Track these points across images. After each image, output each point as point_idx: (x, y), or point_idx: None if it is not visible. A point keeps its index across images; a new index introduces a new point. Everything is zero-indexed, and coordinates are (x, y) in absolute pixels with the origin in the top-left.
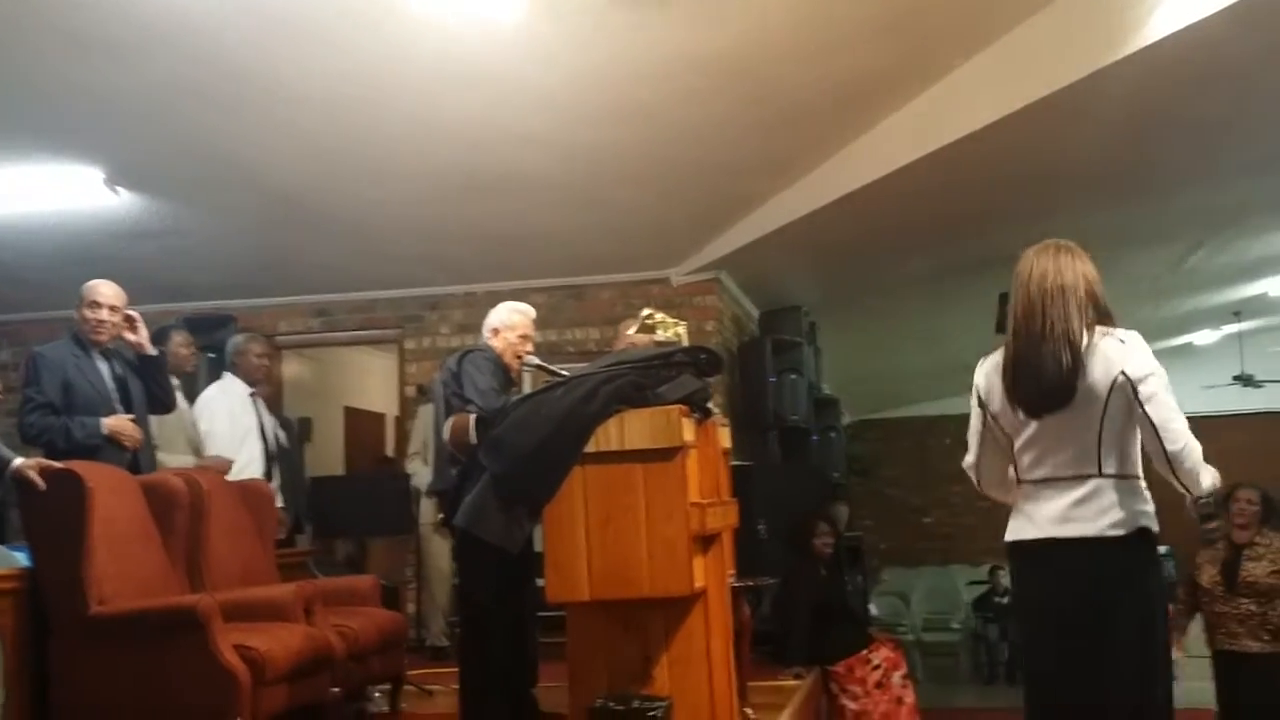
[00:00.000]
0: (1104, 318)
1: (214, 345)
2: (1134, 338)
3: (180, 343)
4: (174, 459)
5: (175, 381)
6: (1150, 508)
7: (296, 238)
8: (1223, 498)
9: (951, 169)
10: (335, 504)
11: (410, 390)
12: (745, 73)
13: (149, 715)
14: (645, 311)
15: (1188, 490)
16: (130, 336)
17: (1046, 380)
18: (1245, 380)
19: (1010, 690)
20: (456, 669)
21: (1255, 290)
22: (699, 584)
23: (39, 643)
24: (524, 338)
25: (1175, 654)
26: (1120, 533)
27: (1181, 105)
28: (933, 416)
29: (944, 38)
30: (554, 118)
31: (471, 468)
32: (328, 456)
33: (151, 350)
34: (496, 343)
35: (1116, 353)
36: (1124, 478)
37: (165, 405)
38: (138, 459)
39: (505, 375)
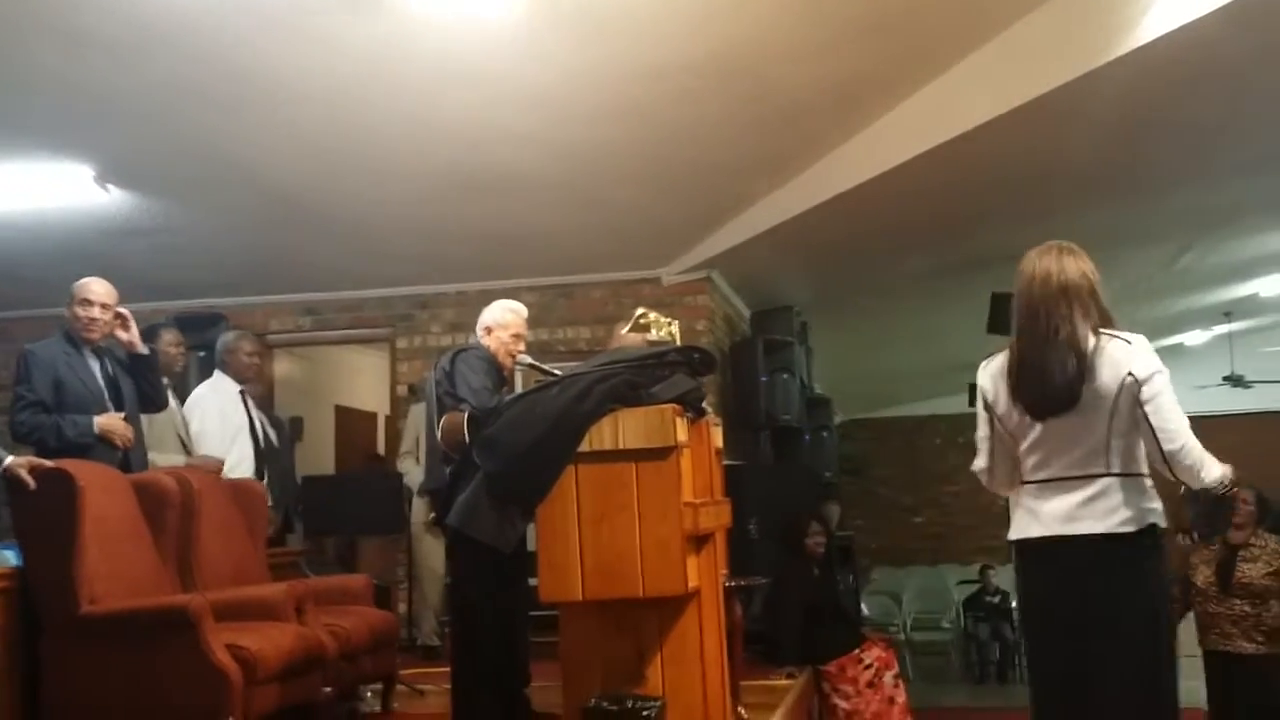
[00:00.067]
0: (1105, 318)
1: (205, 344)
2: (1139, 339)
3: (170, 341)
4: (165, 458)
5: (165, 380)
6: (1158, 504)
7: (288, 236)
8: (1229, 486)
9: (944, 169)
10: (326, 503)
11: (402, 389)
12: (739, 72)
13: (140, 715)
14: (639, 310)
15: (1188, 484)
16: (122, 335)
17: (1052, 385)
18: (1235, 381)
19: (1001, 689)
20: (448, 668)
21: (1246, 291)
22: (693, 584)
23: (29, 642)
24: (517, 336)
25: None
26: (1130, 529)
27: (1174, 106)
28: (924, 416)
29: (937, 39)
30: (548, 116)
31: (464, 467)
32: (318, 456)
33: (143, 349)
34: (489, 341)
35: (1123, 354)
36: (1132, 475)
37: (156, 404)
38: (129, 458)
39: (498, 374)
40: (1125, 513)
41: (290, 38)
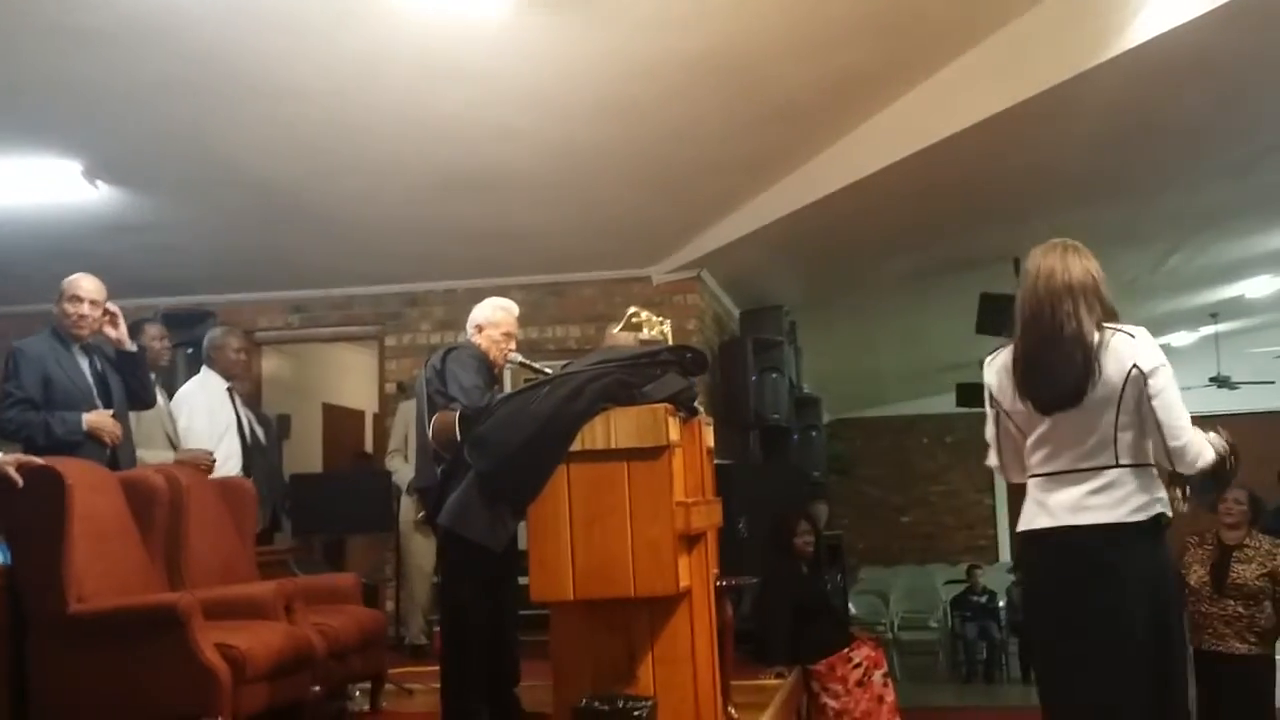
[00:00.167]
0: (1110, 316)
1: (192, 340)
2: (1141, 332)
3: (154, 335)
4: (153, 455)
5: (152, 376)
6: (1164, 494)
7: (277, 233)
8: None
9: (933, 170)
10: (314, 501)
11: (390, 387)
12: (731, 71)
13: (128, 713)
14: (631, 309)
15: (1187, 474)
16: (111, 332)
17: (1059, 381)
18: (1222, 382)
19: (988, 689)
20: (437, 667)
21: (1232, 292)
22: (684, 583)
23: (17, 641)
24: (508, 335)
25: None
26: (1140, 518)
27: (1163, 108)
28: (911, 416)
29: (928, 40)
30: (539, 115)
31: (456, 466)
32: (306, 454)
33: (131, 346)
34: (480, 340)
35: (1128, 347)
36: (1140, 466)
37: (145, 401)
38: (117, 455)
39: (489, 372)
40: (1133, 502)
41: (280, 34)
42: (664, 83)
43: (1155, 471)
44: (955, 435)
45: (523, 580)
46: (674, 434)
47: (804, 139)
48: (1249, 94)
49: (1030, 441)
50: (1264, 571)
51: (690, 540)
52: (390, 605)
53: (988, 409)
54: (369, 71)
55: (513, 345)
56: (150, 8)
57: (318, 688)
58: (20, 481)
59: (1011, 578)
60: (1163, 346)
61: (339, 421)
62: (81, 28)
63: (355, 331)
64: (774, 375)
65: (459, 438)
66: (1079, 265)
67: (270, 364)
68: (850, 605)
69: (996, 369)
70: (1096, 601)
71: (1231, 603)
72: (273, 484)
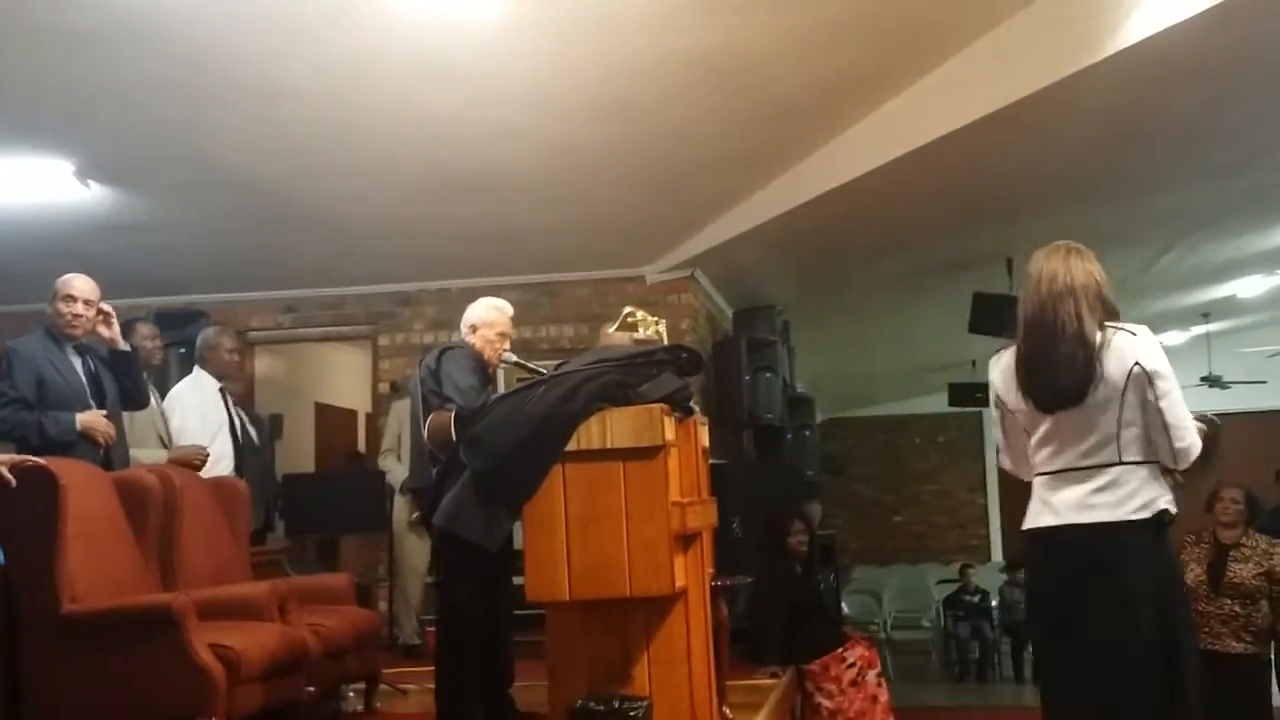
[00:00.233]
0: (1112, 317)
1: (185, 340)
2: (1143, 330)
3: (146, 335)
4: (146, 454)
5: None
6: (1168, 491)
7: (270, 233)
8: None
9: (926, 170)
10: (307, 501)
11: (383, 386)
12: (725, 71)
13: (122, 714)
14: (627, 309)
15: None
16: (104, 331)
17: (1061, 380)
18: (1213, 381)
19: (981, 688)
20: (431, 668)
21: (1224, 292)
22: (680, 583)
23: (10, 641)
24: (502, 335)
25: None
26: (1145, 516)
27: (1156, 108)
28: (904, 416)
29: (922, 40)
30: (532, 114)
31: (451, 466)
32: (298, 453)
33: (124, 345)
34: (474, 340)
35: (1129, 345)
36: (1143, 463)
37: (138, 401)
38: (110, 455)
39: (484, 372)
40: (1137, 500)
41: (273, 34)
42: (659, 83)
43: (1159, 468)
44: (947, 435)
45: (518, 580)
46: (669, 434)
47: (798, 139)
48: (1240, 94)
49: (1034, 440)
50: (1260, 571)
51: (686, 540)
52: (384, 605)
53: (993, 410)
54: (362, 71)
55: (507, 345)
56: (142, 8)
57: (312, 688)
58: (13, 481)
59: (1004, 577)
60: None
61: (332, 421)
62: (73, 28)
63: (348, 331)
64: (767, 375)
65: (454, 438)
66: (1081, 268)
67: (263, 364)
68: (843, 605)
69: (1001, 369)
70: (1099, 600)
71: (1228, 602)
72: (266, 484)
